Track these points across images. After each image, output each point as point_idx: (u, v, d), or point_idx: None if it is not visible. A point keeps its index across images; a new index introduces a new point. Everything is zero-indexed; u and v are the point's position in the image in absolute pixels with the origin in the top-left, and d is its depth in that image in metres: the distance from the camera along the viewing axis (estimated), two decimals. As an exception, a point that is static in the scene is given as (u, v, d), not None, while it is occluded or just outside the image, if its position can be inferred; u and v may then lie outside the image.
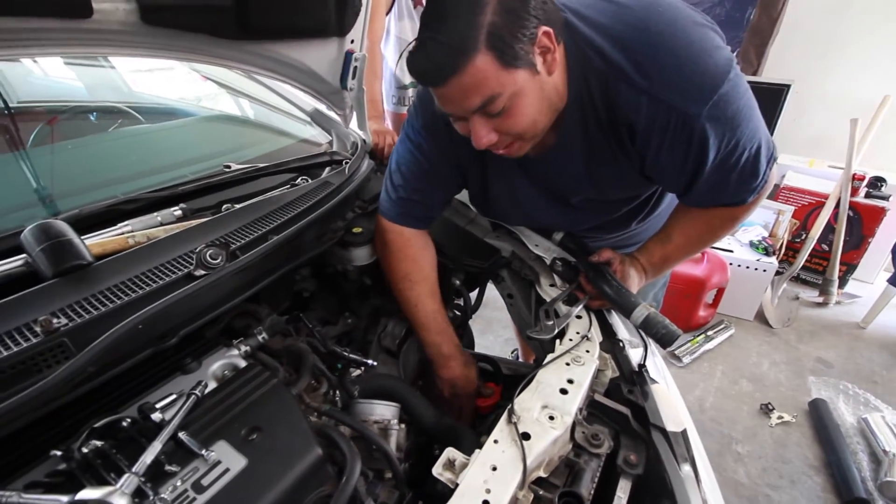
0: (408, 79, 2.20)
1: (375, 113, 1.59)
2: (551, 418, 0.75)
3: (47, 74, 1.81)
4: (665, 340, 0.86)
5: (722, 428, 2.15)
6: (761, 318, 2.89)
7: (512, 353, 2.38)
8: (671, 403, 0.88)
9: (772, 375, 2.48)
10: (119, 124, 1.54)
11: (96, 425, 0.64)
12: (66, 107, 1.62)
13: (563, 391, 0.80)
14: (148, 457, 0.57)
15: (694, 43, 0.75)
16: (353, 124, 1.48)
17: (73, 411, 0.67)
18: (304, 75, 1.19)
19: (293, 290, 1.21)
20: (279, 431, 0.65)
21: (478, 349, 1.50)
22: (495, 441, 0.70)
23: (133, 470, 0.55)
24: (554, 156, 0.92)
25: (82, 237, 0.80)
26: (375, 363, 0.88)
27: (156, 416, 0.64)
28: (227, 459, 0.61)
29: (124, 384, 0.71)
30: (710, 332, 2.70)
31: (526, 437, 0.71)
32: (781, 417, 2.18)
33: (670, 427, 0.82)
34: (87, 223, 0.85)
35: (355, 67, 1.22)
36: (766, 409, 2.23)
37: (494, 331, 2.68)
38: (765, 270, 2.75)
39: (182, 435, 0.62)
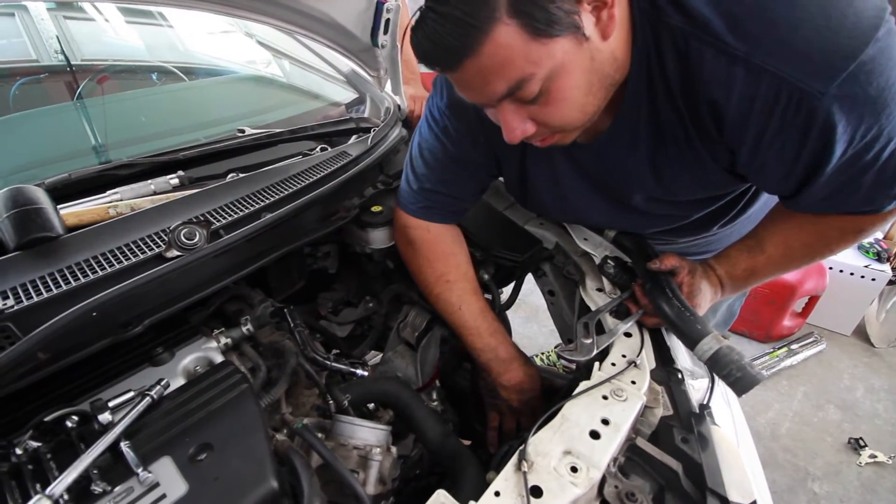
0: None
1: (412, 75, 1.41)
2: (574, 470, 0.61)
3: (118, 33, 1.87)
4: (739, 386, 0.66)
5: (797, 460, 1.87)
6: (861, 334, 2.49)
7: (555, 347, 2.20)
8: (739, 462, 0.68)
9: (867, 404, 2.12)
10: (162, 82, 1.53)
11: (47, 419, 0.58)
12: (117, 66, 1.67)
13: (595, 434, 0.64)
14: (71, 474, 0.48)
15: None
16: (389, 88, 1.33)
17: (28, 401, 0.61)
18: (328, 29, 1.04)
19: (309, 268, 1.12)
20: (233, 453, 0.55)
21: (519, 340, 1.33)
22: (496, 493, 0.57)
23: (47, 491, 0.47)
24: (608, 144, 0.71)
25: (64, 205, 0.73)
26: (366, 373, 0.76)
27: (104, 417, 0.57)
28: (167, 483, 0.52)
29: (88, 373, 0.65)
30: (794, 346, 2.34)
31: (536, 492, 0.58)
32: (874, 457, 1.87)
33: (735, 497, 0.64)
34: (76, 189, 0.78)
35: (388, 20, 1.06)
36: (856, 445, 1.91)
37: (539, 319, 2.50)
38: (874, 279, 2.32)
39: (124, 445, 0.53)
